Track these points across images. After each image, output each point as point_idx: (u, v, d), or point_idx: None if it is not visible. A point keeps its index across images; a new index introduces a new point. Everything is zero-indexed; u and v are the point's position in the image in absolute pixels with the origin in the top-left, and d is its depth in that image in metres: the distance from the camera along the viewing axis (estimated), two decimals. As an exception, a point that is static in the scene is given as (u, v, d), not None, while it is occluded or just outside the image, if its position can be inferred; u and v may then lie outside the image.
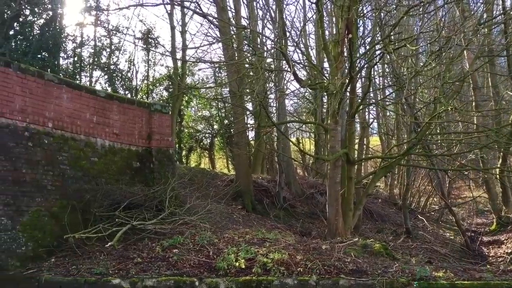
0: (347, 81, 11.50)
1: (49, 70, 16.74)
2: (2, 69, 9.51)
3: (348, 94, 12.56)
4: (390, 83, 19.67)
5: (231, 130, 24.20)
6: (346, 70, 12.00)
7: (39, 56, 17.71)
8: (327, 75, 13.35)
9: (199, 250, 8.85)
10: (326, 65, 17.31)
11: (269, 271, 7.49)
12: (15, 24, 18.10)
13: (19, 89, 9.75)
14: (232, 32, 16.50)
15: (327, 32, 15.95)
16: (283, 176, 18.15)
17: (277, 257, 7.81)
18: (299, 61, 15.67)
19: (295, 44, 13.90)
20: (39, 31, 18.56)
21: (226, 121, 27.52)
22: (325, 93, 13.83)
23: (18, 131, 9.61)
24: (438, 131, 17.26)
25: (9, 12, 17.12)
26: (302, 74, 17.41)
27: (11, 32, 17.90)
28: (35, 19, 19.13)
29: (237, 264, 7.81)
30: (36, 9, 18.72)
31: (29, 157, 9.71)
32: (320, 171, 22.36)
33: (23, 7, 17.82)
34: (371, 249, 8.80)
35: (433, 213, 23.13)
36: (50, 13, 19.49)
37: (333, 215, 11.60)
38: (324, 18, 14.22)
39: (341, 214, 11.74)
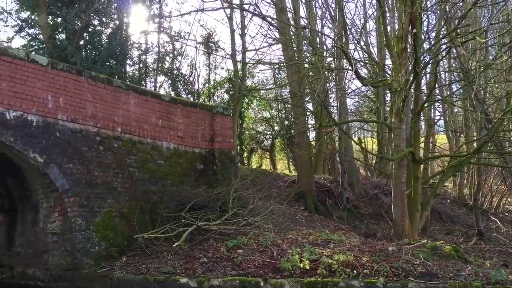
0: (411, 77, 11.13)
1: (116, 77, 17.49)
2: (75, 77, 10.06)
3: (412, 91, 12.15)
4: (457, 78, 18.82)
5: (292, 130, 24.13)
6: (410, 67, 11.62)
7: (107, 64, 18.55)
8: (389, 72, 12.99)
9: (263, 250, 8.89)
10: (388, 62, 16.86)
11: (334, 272, 7.39)
12: (85, 34, 19.09)
13: (90, 96, 10.27)
14: (292, 33, 16.46)
15: (388, 28, 15.53)
16: (345, 176, 17.85)
17: (342, 258, 7.69)
18: (360, 59, 15.38)
19: (355, 42, 13.64)
20: (107, 40, 19.45)
21: (286, 122, 27.49)
22: (388, 91, 13.46)
23: (90, 136, 10.12)
24: (511, 127, 16.31)
25: (79, 23, 18.07)
26: (363, 72, 17.05)
27: (82, 42, 18.89)
28: (103, 28, 20.10)
29: (301, 265, 7.77)
30: (104, 19, 19.65)
31: (101, 160, 10.20)
32: (384, 171, 21.74)
33: (92, 17, 18.74)
34: (441, 252, 8.43)
35: (507, 214, 21.87)
36: (117, 22, 20.40)
37: (399, 216, 11.25)
38: (386, 14, 13.83)
39: (407, 215, 11.37)
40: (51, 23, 18.89)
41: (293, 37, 16.09)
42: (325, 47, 16.91)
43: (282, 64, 19.94)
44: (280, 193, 15.74)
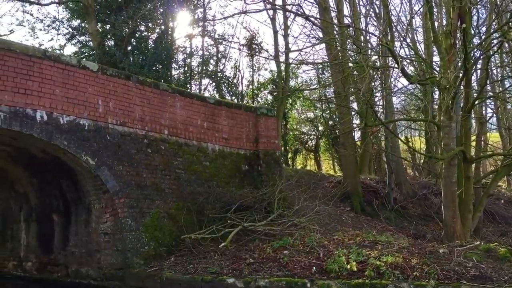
0: (461, 74, 10.79)
1: (162, 80, 17.87)
2: (123, 82, 10.37)
3: (462, 88, 11.77)
4: (510, 73, 18.06)
5: (337, 130, 23.89)
6: (459, 63, 11.26)
7: (154, 68, 18.99)
8: (437, 69, 12.64)
9: (309, 251, 8.84)
10: (436, 59, 16.43)
11: (383, 274, 7.24)
12: (132, 40, 19.64)
13: (138, 100, 10.55)
14: (335, 32, 16.30)
15: (436, 24, 15.12)
16: (392, 177, 17.51)
17: (391, 260, 7.53)
18: (406, 57, 15.04)
19: (401, 39, 13.36)
20: (153, 45, 19.93)
21: (331, 122, 27.24)
22: (436, 88, 13.09)
23: (138, 139, 10.40)
24: None
25: (126, 29, 18.62)
26: (409, 70, 16.67)
27: (129, 48, 19.45)
28: (150, 34, 20.61)
29: (348, 266, 7.66)
30: (150, 24, 20.15)
31: (149, 162, 10.46)
32: (433, 171, 21.18)
33: (139, 23, 19.26)
34: (495, 254, 8.10)
35: None
36: (163, 27, 20.87)
37: (450, 217, 10.93)
38: (433, 9, 13.46)
39: (458, 216, 11.03)
40: (100, 30, 19.55)
41: (337, 36, 15.94)
42: (369, 45, 16.66)
43: (326, 64, 19.80)
44: (326, 193, 15.62)
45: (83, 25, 20.31)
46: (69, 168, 10.00)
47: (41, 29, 20.93)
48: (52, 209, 11.46)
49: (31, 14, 20.98)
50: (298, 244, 9.28)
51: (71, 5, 20.07)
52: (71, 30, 20.68)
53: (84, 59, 16.80)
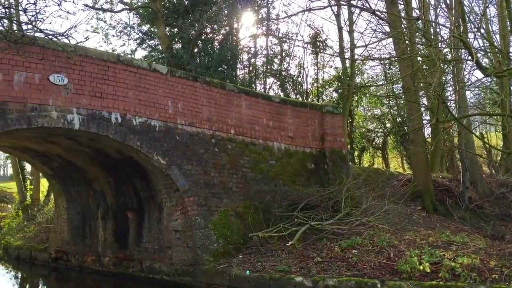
0: (542, 64, 10.08)
1: (228, 81, 18.15)
2: (191, 83, 10.65)
3: (544, 79, 11.00)
4: None
5: (405, 127, 23.12)
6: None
7: (219, 69, 19.34)
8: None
9: (378, 251, 8.66)
10: (513, 49, 15.46)
11: (458, 276, 6.94)
12: (199, 42, 20.13)
13: (205, 100, 10.80)
14: (403, 25, 15.78)
15: (513, 12, 14.20)
16: (467, 174, 16.68)
17: (467, 261, 7.20)
18: (480, 48, 14.26)
19: (475, 30, 12.67)
20: (218, 46, 20.31)
21: (399, 119, 26.43)
22: (514, 81, 12.32)
23: (206, 138, 10.64)
24: None
25: (193, 32, 19.12)
26: (484, 62, 15.79)
27: (196, 50, 19.95)
28: (215, 35, 21.02)
29: (421, 267, 7.43)
30: (215, 26, 20.55)
31: (216, 162, 10.68)
32: (512, 168, 19.95)
33: (205, 26, 19.71)
34: None
35: None
36: (227, 28, 21.21)
37: (532, 218, 10.26)
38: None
39: (542, 216, 10.32)
40: (168, 33, 20.21)
41: (405, 29, 15.42)
42: (440, 38, 15.98)
43: (393, 59, 19.23)
44: (395, 192, 15.16)
45: (152, 29, 21.12)
46: (142, 168, 10.42)
47: (113, 35, 22.08)
48: (127, 207, 11.99)
49: (105, 21, 22.18)
50: (367, 243, 9.11)
51: (141, 11, 20.93)
52: (141, 35, 21.58)
53: (153, 62, 17.43)
